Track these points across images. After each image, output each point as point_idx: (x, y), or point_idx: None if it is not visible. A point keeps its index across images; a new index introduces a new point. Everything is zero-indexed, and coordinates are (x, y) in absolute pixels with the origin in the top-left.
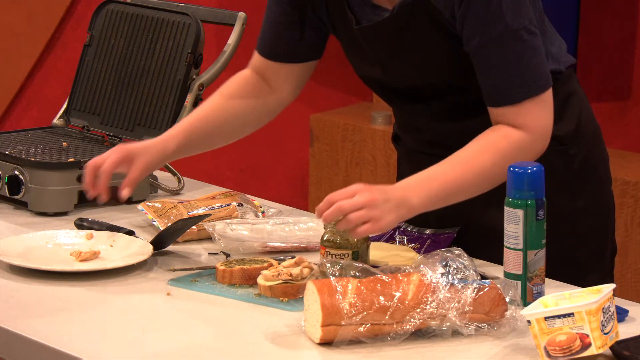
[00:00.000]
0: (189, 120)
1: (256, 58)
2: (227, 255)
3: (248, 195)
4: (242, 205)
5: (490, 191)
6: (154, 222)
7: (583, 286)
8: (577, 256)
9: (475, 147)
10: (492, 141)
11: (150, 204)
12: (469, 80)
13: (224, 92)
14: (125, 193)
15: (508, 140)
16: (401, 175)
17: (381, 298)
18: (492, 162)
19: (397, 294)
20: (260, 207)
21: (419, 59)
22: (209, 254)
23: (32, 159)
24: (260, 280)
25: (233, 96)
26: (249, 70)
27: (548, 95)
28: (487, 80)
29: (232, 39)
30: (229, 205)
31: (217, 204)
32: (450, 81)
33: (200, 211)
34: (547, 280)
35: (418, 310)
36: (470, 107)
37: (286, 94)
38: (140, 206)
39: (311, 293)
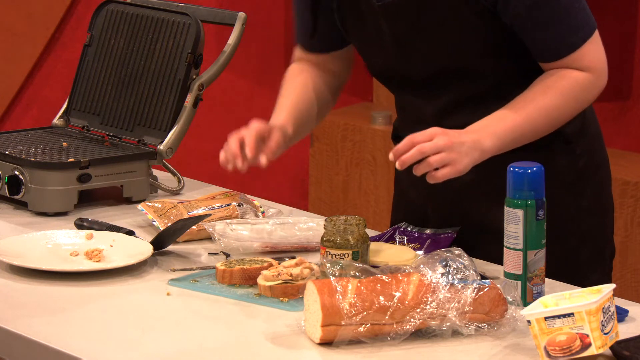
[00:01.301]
0: (291, 105)
1: (297, 50)
2: (227, 255)
3: (248, 196)
4: (242, 205)
5: (490, 190)
6: (154, 222)
7: (585, 286)
8: (579, 256)
9: (541, 89)
10: (556, 82)
11: (150, 204)
12: (485, 64)
13: (297, 70)
14: (264, 160)
15: (572, 80)
16: (399, 174)
17: (381, 298)
18: (559, 103)
19: (397, 294)
20: (260, 207)
21: (440, 37)
22: (209, 254)
23: (32, 159)
24: (260, 280)
25: (305, 71)
26: (296, 63)
27: (597, 33)
28: (544, 38)
29: (232, 39)
30: (229, 205)
31: (217, 204)
32: (468, 64)
33: (200, 211)
34: (547, 280)
35: (418, 310)
36: (481, 99)
37: (343, 76)
38: (140, 206)
39: (311, 293)
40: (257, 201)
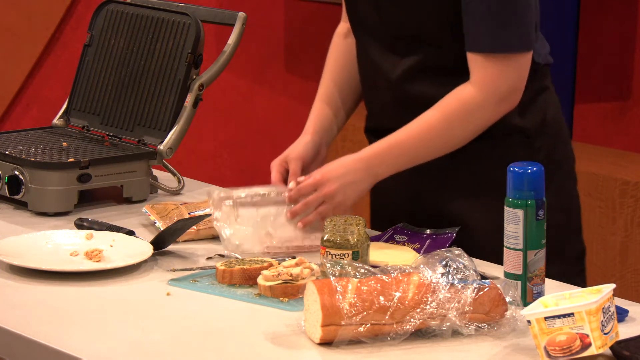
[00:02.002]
0: (321, 108)
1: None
2: (222, 257)
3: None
4: None
5: (488, 194)
6: (156, 223)
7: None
8: None
9: (432, 112)
10: (446, 103)
11: (153, 206)
12: (453, 39)
13: (334, 60)
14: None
15: (459, 100)
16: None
17: (381, 298)
18: (448, 125)
19: (397, 294)
20: None
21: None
22: (207, 258)
23: (32, 159)
24: (260, 280)
25: (346, 64)
26: (343, 22)
27: (521, 58)
28: (465, 21)
29: (232, 39)
30: None
31: None
32: (434, 34)
33: (201, 212)
34: (546, 280)
35: (418, 310)
36: (446, 71)
37: None
38: (144, 208)
39: (311, 293)
40: None
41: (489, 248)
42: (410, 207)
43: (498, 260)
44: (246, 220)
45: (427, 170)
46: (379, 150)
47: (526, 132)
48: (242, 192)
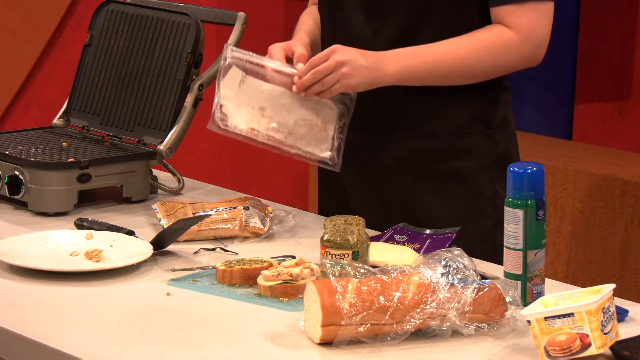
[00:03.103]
0: (305, 31)
1: None
2: (224, 248)
3: (264, 201)
4: (248, 208)
5: (451, 181)
6: (161, 221)
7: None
8: (495, 239)
9: (463, 39)
10: (481, 35)
11: (164, 203)
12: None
13: (310, 10)
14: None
15: (497, 37)
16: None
17: (381, 298)
18: (477, 56)
19: (397, 294)
20: (271, 213)
21: None
22: (203, 248)
23: (32, 159)
24: (260, 280)
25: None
26: (311, 4)
27: (550, 7)
28: None
29: (232, 39)
30: (235, 208)
31: (222, 207)
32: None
33: (203, 213)
34: (546, 280)
35: (418, 310)
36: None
37: None
38: (155, 205)
39: (311, 293)
40: (271, 207)
41: (456, 237)
42: (375, 201)
43: (465, 247)
44: (248, 88)
45: (389, 160)
46: (398, 56)
47: (489, 124)
48: (257, 59)
